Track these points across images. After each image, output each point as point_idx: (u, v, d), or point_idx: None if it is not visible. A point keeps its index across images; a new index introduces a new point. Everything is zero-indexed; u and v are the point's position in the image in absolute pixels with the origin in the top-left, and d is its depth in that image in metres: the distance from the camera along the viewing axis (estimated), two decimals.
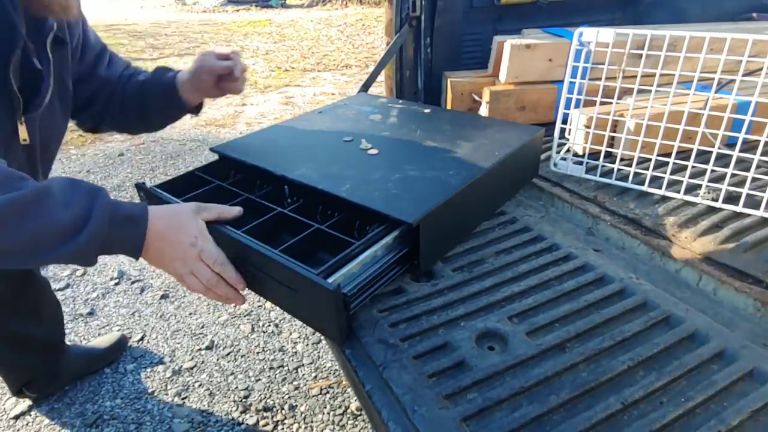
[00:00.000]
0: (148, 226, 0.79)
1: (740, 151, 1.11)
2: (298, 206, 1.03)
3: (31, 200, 0.68)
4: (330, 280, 0.78)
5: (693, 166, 1.18)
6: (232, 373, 1.87)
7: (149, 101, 1.23)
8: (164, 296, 2.30)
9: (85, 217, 0.72)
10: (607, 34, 1.22)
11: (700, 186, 1.19)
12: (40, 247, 0.70)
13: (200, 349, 1.99)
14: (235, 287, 0.86)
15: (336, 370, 1.88)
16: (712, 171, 1.17)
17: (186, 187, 1.08)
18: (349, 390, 1.79)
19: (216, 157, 1.24)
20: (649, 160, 1.23)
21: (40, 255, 0.71)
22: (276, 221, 0.98)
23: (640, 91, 1.23)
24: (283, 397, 1.77)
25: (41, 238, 0.69)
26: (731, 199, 1.14)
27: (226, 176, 1.18)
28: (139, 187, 1.07)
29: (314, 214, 1.03)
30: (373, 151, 1.17)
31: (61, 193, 0.72)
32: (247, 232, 0.89)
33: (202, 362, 1.93)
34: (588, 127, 1.35)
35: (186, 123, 4.47)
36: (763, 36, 1.08)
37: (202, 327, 2.11)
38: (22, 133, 0.96)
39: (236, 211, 0.93)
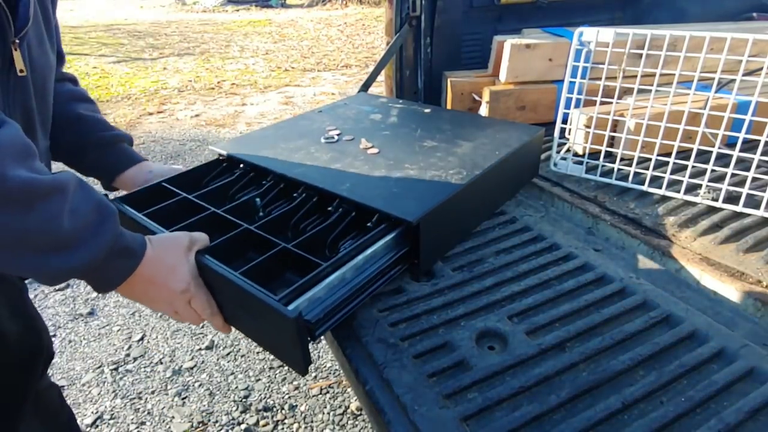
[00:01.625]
0: (138, 266, 0.70)
1: (740, 150, 1.11)
2: (269, 221, 0.96)
3: (46, 192, 0.58)
4: (291, 306, 0.71)
5: (693, 166, 1.18)
6: (232, 373, 1.87)
7: (91, 141, 1.03)
8: None
9: (88, 237, 0.62)
10: (607, 33, 1.22)
11: (700, 186, 1.19)
12: (24, 248, 0.57)
13: (200, 349, 1.99)
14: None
15: (336, 369, 1.88)
16: (712, 171, 1.17)
17: (151, 199, 1.00)
18: (349, 390, 1.79)
19: (208, 158, 1.22)
20: (649, 159, 1.23)
21: (15, 257, 0.58)
22: (243, 238, 0.91)
23: (640, 91, 1.23)
24: (283, 397, 1.77)
25: (33, 239, 0.57)
26: (731, 198, 1.14)
27: (195, 187, 1.09)
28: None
29: (285, 228, 0.97)
30: (373, 151, 1.17)
31: (71, 194, 0.61)
32: (212, 249, 0.83)
33: (202, 362, 1.93)
34: (588, 126, 1.35)
35: (186, 123, 4.47)
36: (763, 36, 1.08)
37: (202, 327, 2.11)
38: (18, 61, 0.75)
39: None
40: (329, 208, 0.98)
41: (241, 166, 1.18)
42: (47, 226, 0.58)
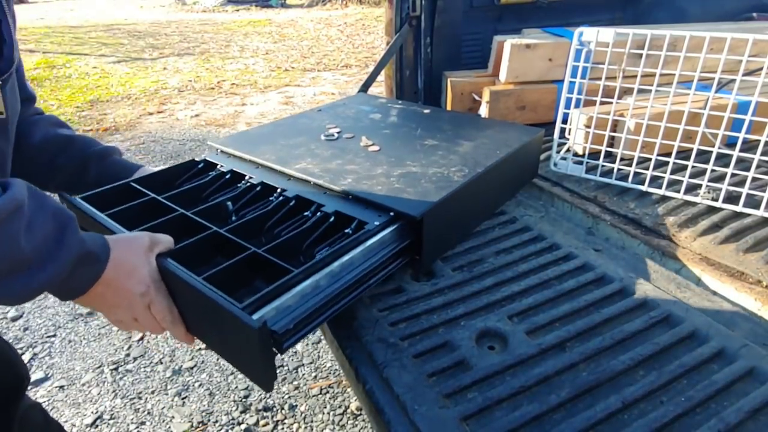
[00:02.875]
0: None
1: (740, 150, 1.11)
2: (241, 224, 0.92)
3: (7, 214, 0.53)
4: (256, 315, 0.66)
5: (693, 166, 1.18)
6: (232, 373, 1.87)
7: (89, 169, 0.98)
8: None
9: (51, 250, 0.59)
10: (607, 33, 1.22)
11: (700, 186, 1.19)
12: None
13: (200, 349, 1.99)
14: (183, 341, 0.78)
15: (336, 369, 1.88)
16: (712, 171, 1.17)
17: (116, 198, 0.96)
18: (349, 390, 1.78)
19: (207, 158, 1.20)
20: (649, 159, 1.23)
21: None
22: (211, 242, 0.86)
23: (640, 91, 1.23)
24: (283, 397, 1.77)
25: None
26: (731, 198, 1.14)
27: (166, 188, 1.04)
28: (62, 196, 0.93)
29: (260, 232, 0.93)
30: (374, 148, 1.17)
31: (26, 207, 0.57)
32: (177, 252, 0.78)
33: (202, 362, 1.93)
34: (588, 126, 1.35)
35: (186, 123, 4.47)
36: (763, 36, 1.08)
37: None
38: (0, 104, 0.72)
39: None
40: (307, 213, 0.95)
41: (219, 167, 1.13)
42: (7, 249, 0.54)
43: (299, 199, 0.98)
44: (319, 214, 0.94)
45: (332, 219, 0.93)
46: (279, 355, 0.71)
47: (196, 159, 1.18)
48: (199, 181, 1.09)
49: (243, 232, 0.88)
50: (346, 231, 0.90)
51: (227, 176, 1.10)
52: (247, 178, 1.08)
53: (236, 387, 1.81)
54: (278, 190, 1.02)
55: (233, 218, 0.98)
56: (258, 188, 1.04)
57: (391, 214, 0.91)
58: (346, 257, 0.82)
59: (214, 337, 0.75)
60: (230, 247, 0.84)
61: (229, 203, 0.99)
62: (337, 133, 1.27)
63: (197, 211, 0.93)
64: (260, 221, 0.94)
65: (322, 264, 0.78)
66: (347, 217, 0.92)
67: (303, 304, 0.74)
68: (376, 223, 0.89)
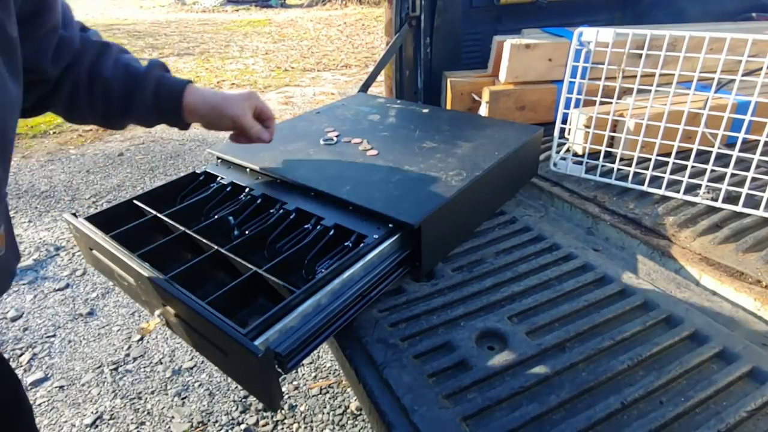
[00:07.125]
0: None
1: (740, 150, 1.11)
2: (243, 240, 0.92)
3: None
4: (259, 340, 0.67)
5: (693, 166, 1.18)
6: None
7: (135, 98, 0.84)
8: None
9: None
10: (606, 33, 1.22)
11: (699, 186, 1.19)
12: None
13: None
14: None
15: (336, 369, 1.88)
16: (712, 171, 1.17)
17: (120, 218, 0.98)
18: (348, 390, 1.79)
19: (207, 159, 1.21)
20: (649, 159, 1.23)
21: None
22: (214, 260, 0.87)
23: (639, 91, 1.23)
24: (282, 397, 1.77)
25: None
26: (731, 198, 1.14)
27: (169, 203, 1.05)
28: (68, 221, 0.95)
29: (263, 246, 0.93)
30: (373, 152, 1.17)
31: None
32: (180, 274, 0.79)
33: (202, 362, 1.93)
34: (588, 126, 1.35)
35: None
36: (762, 36, 1.08)
37: None
38: None
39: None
40: (307, 226, 0.95)
41: (219, 179, 1.14)
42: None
43: (299, 212, 0.99)
44: (319, 227, 0.94)
45: (332, 232, 0.93)
46: (284, 374, 0.72)
47: (197, 171, 1.18)
48: (201, 194, 1.10)
49: (245, 249, 0.89)
50: (347, 244, 0.90)
51: (228, 189, 1.10)
52: (247, 190, 1.08)
53: (236, 387, 1.81)
54: (278, 203, 1.02)
55: (236, 232, 0.98)
56: (259, 201, 1.05)
57: (390, 225, 0.91)
58: (346, 274, 0.82)
59: (220, 358, 0.76)
60: (232, 265, 0.85)
61: (230, 218, 1.00)
62: (336, 136, 1.27)
63: (198, 229, 0.94)
64: (262, 237, 0.95)
65: (323, 282, 0.79)
66: (347, 230, 0.92)
67: (305, 323, 0.75)
68: (375, 236, 0.89)
